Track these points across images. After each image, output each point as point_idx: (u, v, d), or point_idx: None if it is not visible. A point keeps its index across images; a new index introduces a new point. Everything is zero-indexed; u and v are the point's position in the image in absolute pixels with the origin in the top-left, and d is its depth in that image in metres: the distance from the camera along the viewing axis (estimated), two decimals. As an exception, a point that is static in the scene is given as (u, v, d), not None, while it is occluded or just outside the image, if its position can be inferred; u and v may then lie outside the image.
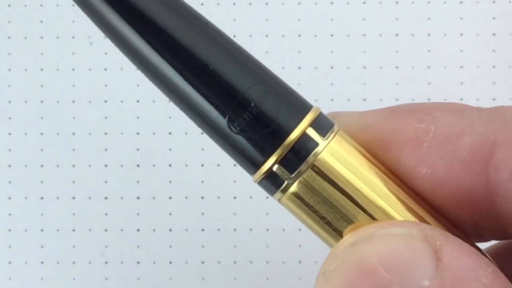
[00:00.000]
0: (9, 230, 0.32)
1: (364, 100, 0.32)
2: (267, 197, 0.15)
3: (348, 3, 0.33)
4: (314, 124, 0.09)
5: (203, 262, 0.30)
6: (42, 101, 0.33)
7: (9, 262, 0.32)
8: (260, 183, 0.10)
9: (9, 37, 0.33)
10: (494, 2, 0.32)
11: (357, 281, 0.09)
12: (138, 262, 0.31)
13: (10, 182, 0.33)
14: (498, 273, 0.09)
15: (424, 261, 0.09)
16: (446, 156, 0.10)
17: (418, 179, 0.10)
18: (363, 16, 0.33)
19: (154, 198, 0.32)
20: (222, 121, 0.09)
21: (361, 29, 0.33)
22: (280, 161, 0.09)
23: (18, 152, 0.33)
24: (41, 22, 0.33)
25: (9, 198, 0.33)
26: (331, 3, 0.33)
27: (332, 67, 0.32)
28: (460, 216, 0.10)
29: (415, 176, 0.10)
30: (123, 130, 0.33)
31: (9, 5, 0.33)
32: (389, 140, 0.10)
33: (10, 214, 0.32)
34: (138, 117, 0.33)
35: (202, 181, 0.32)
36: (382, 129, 0.10)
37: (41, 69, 0.33)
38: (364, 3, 0.33)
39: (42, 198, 0.32)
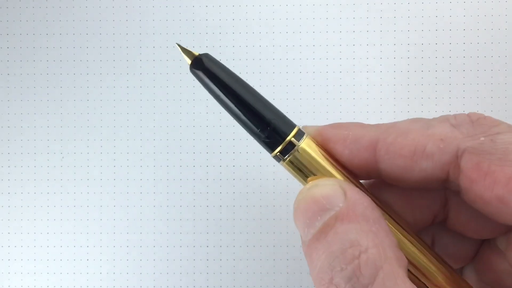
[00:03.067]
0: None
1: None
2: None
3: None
4: (296, 135, 0.19)
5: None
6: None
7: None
8: (274, 157, 0.20)
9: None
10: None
11: (310, 205, 0.18)
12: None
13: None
14: (372, 203, 0.18)
15: (339, 196, 0.18)
16: (355, 146, 0.19)
17: (343, 157, 0.19)
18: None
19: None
20: (259, 133, 0.19)
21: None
22: (281, 149, 0.19)
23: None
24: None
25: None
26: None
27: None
28: (359, 171, 0.20)
29: (341, 155, 0.19)
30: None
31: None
32: (331, 139, 0.20)
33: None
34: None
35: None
36: (328, 134, 0.20)
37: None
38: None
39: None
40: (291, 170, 0.20)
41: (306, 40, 0.33)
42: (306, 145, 0.19)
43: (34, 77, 0.33)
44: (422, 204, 0.21)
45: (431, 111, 0.32)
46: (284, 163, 0.19)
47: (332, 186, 0.18)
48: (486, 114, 0.18)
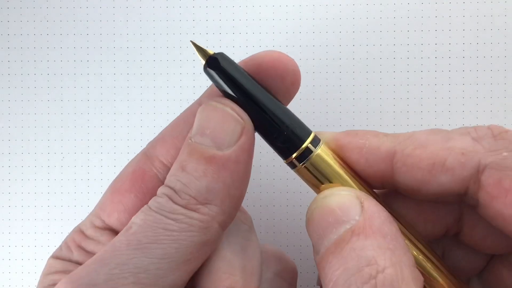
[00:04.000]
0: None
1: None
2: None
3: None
4: (312, 141, 0.19)
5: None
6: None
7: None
8: (288, 163, 0.19)
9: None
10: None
11: (325, 215, 0.17)
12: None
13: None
14: (389, 215, 0.17)
15: (356, 207, 0.17)
16: (372, 156, 0.19)
17: (359, 166, 0.19)
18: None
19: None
20: (274, 138, 0.19)
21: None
22: (297, 155, 0.19)
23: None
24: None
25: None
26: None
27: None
28: (374, 181, 0.19)
29: (357, 164, 0.19)
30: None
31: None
32: (347, 147, 0.19)
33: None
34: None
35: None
36: (343, 141, 0.19)
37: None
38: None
39: (42, 198, 0.32)
40: (306, 176, 0.19)
41: (306, 40, 0.33)
42: (323, 151, 0.19)
43: (35, 77, 0.33)
44: (435, 217, 0.21)
45: (430, 111, 0.32)
46: (300, 170, 0.19)
47: (348, 196, 0.18)
48: (506, 128, 0.17)
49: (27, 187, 0.33)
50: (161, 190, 0.18)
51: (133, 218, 0.18)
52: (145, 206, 0.18)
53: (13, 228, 0.33)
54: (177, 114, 0.33)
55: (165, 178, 0.21)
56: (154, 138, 0.21)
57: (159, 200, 0.18)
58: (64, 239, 0.22)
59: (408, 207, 0.21)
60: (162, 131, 0.21)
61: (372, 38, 0.33)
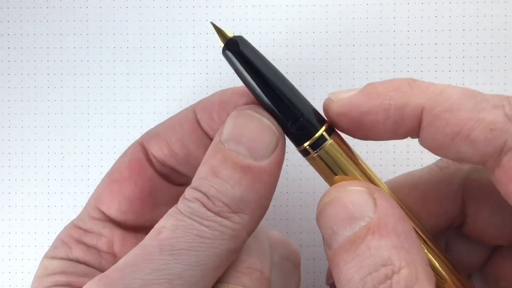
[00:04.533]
0: (10, 230, 0.32)
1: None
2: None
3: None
4: (327, 130, 0.19)
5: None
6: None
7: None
8: (301, 151, 0.19)
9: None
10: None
11: (338, 210, 0.17)
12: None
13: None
14: (402, 212, 0.17)
15: (369, 203, 0.17)
16: (399, 117, 0.18)
17: (387, 129, 0.18)
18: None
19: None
20: (289, 125, 0.18)
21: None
22: (311, 143, 0.18)
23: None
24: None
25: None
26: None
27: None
28: (398, 137, 0.19)
29: (385, 127, 0.18)
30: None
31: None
32: (370, 111, 0.18)
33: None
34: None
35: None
36: (365, 106, 0.18)
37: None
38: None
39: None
40: (319, 164, 0.19)
41: (306, 40, 0.33)
42: (336, 141, 0.18)
43: (35, 77, 0.33)
44: (439, 210, 0.21)
45: (430, 111, 0.32)
46: (313, 158, 0.19)
47: (361, 193, 0.17)
48: None
49: (27, 187, 0.33)
50: (192, 194, 0.18)
51: (161, 221, 0.17)
52: (174, 209, 0.18)
53: (13, 228, 0.33)
54: (177, 114, 0.33)
55: (161, 169, 0.21)
56: (149, 131, 0.21)
57: (192, 205, 0.17)
58: (57, 238, 0.21)
59: (411, 202, 0.21)
60: (157, 127, 0.21)
61: (372, 38, 0.33)
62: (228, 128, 0.18)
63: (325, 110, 0.20)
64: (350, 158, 0.19)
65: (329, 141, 0.18)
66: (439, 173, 0.22)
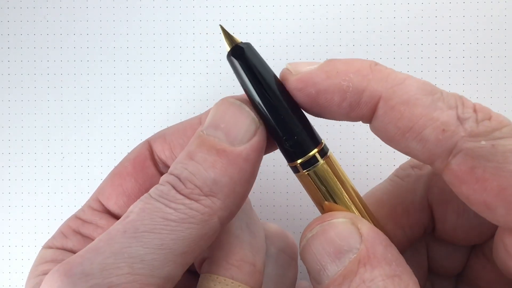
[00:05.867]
0: (10, 230, 0.32)
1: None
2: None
3: (347, 3, 0.33)
4: (320, 151, 0.18)
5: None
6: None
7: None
8: (292, 167, 0.19)
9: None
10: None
11: (325, 245, 0.17)
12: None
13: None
14: (388, 241, 0.17)
15: (354, 234, 0.17)
16: (355, 100, 0.17)
17: (341, 109, 0.18)
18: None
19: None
20: (283, 139, 0.18)
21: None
22: (302, 162, 0.18)
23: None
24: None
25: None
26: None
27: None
28: (353, 120, 0.18)
29: (339, 107, 0.18)
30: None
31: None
32: (327, 90, 0.18)
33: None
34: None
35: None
36: (323, 84, 0.18)
37: (42, 69, 0.33)
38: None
39: (42, 198, 0.32)
40: (307, 183, 0.19)
41: (306, 40, 0.33)
42: (328, 163, 0.18)
43: (35, 77, 0.33)
44: (410, 221, 0.21)
45: (430, 111, 0.32)
46: (302, 175, 0.19)
47: (345, 224, 0.17)
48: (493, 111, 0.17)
49: (27, 187, 0.33)
50: (164, 178, 0.18)
51: (131, 206, 0.17)
52: (146, 194, 0.18)
53: (13, 228, 0.33)
54: (177, 114, 0.33)
55: (163, 169, 0.21)
56: (158, 132, 0.21)
57: (161, 188, 0.17)
58: (58, 228, 0.21)
59: (383, 218, 0.21)
60: (166, 129, 0.21)
61: (372, 38, 0.33)
62: (209, 116, 0.18)
63: (282, 80, 0.19)
64: (339, 182, 0.19)
65: (320, 163, 0.18)
66: (401, 183, 0.21)
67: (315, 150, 0.18)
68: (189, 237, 0.16)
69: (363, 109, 0.17)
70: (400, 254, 0.17)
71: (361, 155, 0.32)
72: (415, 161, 0.22)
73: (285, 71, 0.19)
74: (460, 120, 0.16)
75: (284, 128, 0.18)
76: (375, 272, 0.16)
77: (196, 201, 0.17)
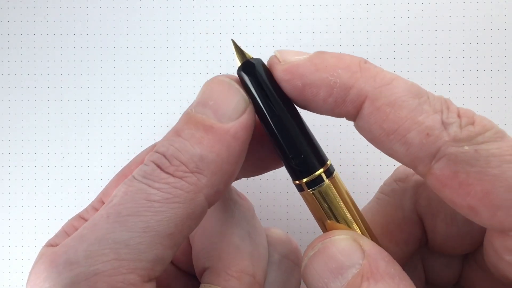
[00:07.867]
0: (10, 230, 0.32)
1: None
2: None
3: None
4: (326, 171, 0.18)
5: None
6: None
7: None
8: (297, 185, 0.19)
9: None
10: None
11: (328, 261, 0.17)
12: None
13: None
14: (390, 257, 0.17)
15: (356, 250, 0.17)
16: (341, 97, 0.17)
17: (326, 104, 0.17)
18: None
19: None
20: (290, 158, 0.18)
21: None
22: (307, 181, 0.18)
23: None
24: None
25: (10, 198, 0.33)
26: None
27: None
28: (338, 116, 0.18)
29: (324, 102, 0.18)
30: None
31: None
32: (314, 83, 0.17)
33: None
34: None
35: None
36: (311, 78, 0.17)
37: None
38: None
39: (42, 198, 0.32)
40: (311, 202, 0.19)
41: (306, 40, 0.33)
42: (333, 183, 0.18)
43: (35, 77, 0.33)
44: (404, 236, 0.21)
45: (430, 111, 0.32)
46: (306, 194, 0.19)
47: (346, 240, 0.17)
48: (482, 115, 0.17)
49: (27, 187, 0.33)
50: (149, 157, 0.17)
51: (115, 190, 0.17)
52: (130, 176, 0.17)
53: (13, 228, 0.33)
54: (177, 114, 0.33)
55: None
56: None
57: (145, 168, 0.17)
58: (61, 227, 0.21)
59: (378, 237, 0.20)
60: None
61: (372, 38, 0.33)
62: (198, 95, 0.18)
63: (269, 68, 0.19)
64: (342, 202, 0.19)
65: (326, 182, 0.18)
66: (388, 200, 0.21)
67: (321, 170, 0.18)
68: (175, 217, 0.16)
69: (348, 106, 0.17)
70: (402, 269, 0.17)
71: (361, 155, 0.32)
72: (398, 175, 0.22)
73: (273, 59, 0.18)
74: (444, 125, 0.16)
75: (291, 146, 0.18)
76: (379, 285, 0.16)
77: (181, 178, 0.16)
